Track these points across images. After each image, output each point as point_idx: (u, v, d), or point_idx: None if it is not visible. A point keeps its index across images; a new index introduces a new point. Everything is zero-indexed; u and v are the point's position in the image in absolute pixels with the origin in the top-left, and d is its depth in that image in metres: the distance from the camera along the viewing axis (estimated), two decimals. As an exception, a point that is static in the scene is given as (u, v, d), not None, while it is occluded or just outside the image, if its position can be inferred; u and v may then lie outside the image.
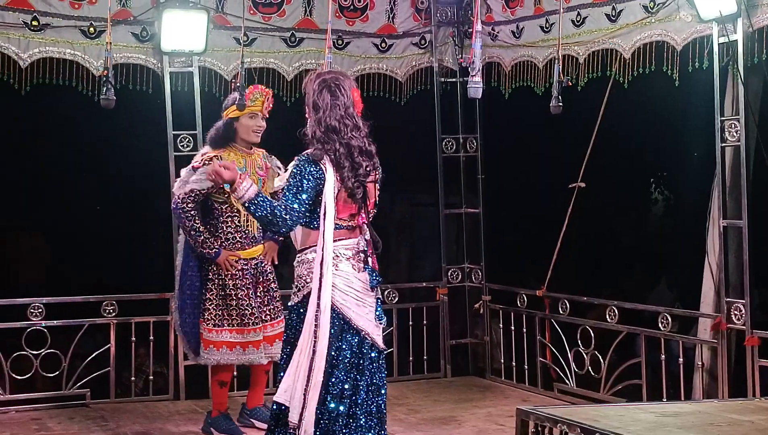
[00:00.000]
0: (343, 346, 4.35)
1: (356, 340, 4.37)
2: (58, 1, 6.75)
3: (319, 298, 4.28)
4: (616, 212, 11.31)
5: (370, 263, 4.42)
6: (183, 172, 5.94)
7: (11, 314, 7.46)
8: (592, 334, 7.03)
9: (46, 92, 7.04)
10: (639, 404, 5.78)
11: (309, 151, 4.40)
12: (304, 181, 4.29)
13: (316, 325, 4.29)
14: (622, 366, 6.91)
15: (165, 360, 7.16)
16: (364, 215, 4.40)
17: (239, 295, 5.87)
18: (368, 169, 4.39)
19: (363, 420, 4.36)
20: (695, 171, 7.49)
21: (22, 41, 6.67)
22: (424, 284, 8.44)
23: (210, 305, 5.89)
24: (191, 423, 6.43)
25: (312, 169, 4.31)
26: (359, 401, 4.36)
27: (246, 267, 5.89)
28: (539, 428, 4.66)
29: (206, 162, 5.73)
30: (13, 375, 6.82)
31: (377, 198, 4.51)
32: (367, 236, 4.41)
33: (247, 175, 5.25)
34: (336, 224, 4.34)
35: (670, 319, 6.52)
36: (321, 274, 4.29)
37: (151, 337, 7.08)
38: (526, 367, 7.55)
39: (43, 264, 10.64)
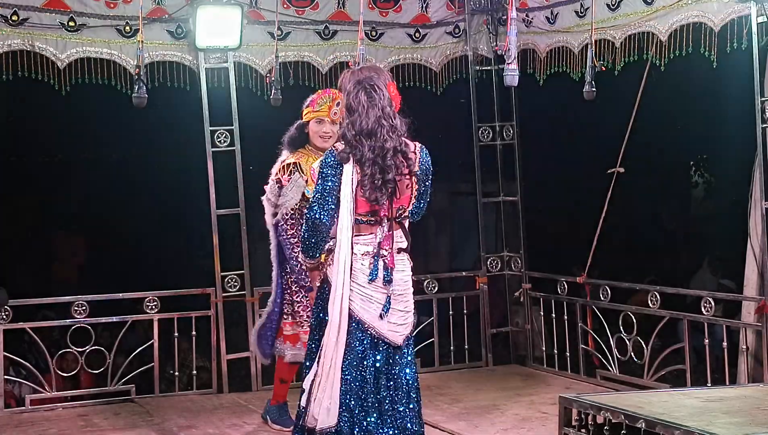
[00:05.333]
0: (353, 342, 4.35)
1: (367, 337, 4.36)
2: (94, 1, 6.80)
3: (334, 294, 4.31)
4: (657, 196, 11.22)
5: (384, 259, 4.36)
6: (267, 189, 5.78)
7: (56, 312, 7.57)
8: (634, 320, 6.98)
9: (85, 92, 7.10)
10: (683, 390, 5.74)
11: (337, 148, 4.38)
12: (327, 179, 4.34)
13: (326, 318, 4.35)
14: (665, 351, 6.87)
15: (208, 354, 7.21)
16: (387, 209, 4.35)
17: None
18: (401, 170, 4.32)
19: (376, 417, 4.34)
20: (736, 153, 7.39)
21: (60, 42, 6.73)
22: (464, 273, 8.43)
23: (299, 308, 5.79)
24: (235, 416, 6.47)
25: (330, 162, 4.34)
26: (374, 395, 4.34)
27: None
28: (582, 416, 4.65)
29: (287, 171, 5.68)
30: (59, 372, 6.91)
31: (416, 191, 4.42)
32: (386, 231, 4.36)
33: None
34: (356, 219, 4.33)
35: (713, 303, 6.45)
36: (337, 271, 4.30)
37: (194, 332, 7.13)
38: (567, 354, 7.52)
39: (85, 262, 10.77)
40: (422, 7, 7.69)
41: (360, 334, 4.37)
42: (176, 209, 10.02)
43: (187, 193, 9.42)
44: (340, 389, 4.33)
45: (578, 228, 8.46)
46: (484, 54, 7.90)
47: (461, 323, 7.78)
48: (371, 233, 4.37)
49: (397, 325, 4.41)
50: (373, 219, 4.36)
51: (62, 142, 10.40)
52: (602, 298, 7.26)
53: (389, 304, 4.38)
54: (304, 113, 5.78)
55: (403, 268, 4.45)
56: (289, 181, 5.66)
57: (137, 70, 6.39)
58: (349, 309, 4.36)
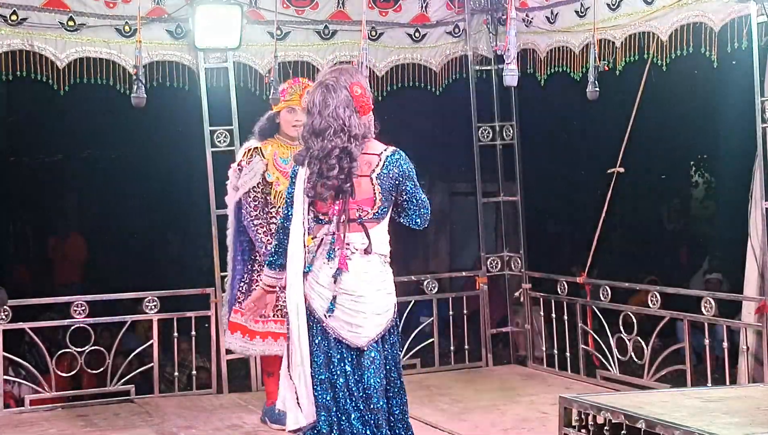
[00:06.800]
0: (322, 341, 4.33)
1: (329, 335, 4.32)
2: (93, 0, 6.80)
3: (290, 289, 4.36)
4: (657, 196, 11.24)
5: (334, 257, 4.31)
6: (230, 173, 6.00)
7: (55, 312, 7.56)
8: (635, 320, 6.97)
9: (84, 92, 7.10)
10: (683, 390, 5.73)
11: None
12: (288, 188, 4.47)
13: (286, 314, 4.44)
14: (665, 351, 6.86)
15: (207, 354, 7.20)
16: (336, 208, 4.31)
17: None
18: (346, 170, 4.26)
19: (355, 416, 4.28)
20: (736, 152, 7.39)
21: (59, 42, 6.72)
22: (464, 273, 8.44)
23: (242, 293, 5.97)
24: (235, 416, 6.47)
25: (293, 168, 4.46)
26: (347, 397, 4.29)
27: None
28: (583, 416, 4.64)
29: (248, 155, 5.89)
30: (59, 373, 6.90)
31: (379, 195, 4.33)
32: (333, 229, 4.33)
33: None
34: (319, 219, 4.37)
35: (713, 303, 6.44)
36: (288, 266, 4.37)
37: (193, 332, 7.11)
38: (568, 354, 7.51)
39: (84, 262, 10.77)
40: (422, 6, 7.67)
41: (323, 332, 4.35)
42: (176, 209, 10.03)
43: (186, 193, 9.43)
44: (314, 387, 4.30)
45: (578, 228, 8.47)
46: (484, 54, 7.89)
47: (461, 323, 7.77)
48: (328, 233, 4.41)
49: (357, 326, 4.32)
50: (326, 218, 4.36)
51: (62, 142, 10.41)
52: (602, 298, 7.25)
53: (334, 304, 4.31)
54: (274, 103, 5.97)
55: (367, 270, 4.36)
56: (249, 163, 5.86)
57: (135, 70, 6.39)
58: (312, 307, 4.34)
